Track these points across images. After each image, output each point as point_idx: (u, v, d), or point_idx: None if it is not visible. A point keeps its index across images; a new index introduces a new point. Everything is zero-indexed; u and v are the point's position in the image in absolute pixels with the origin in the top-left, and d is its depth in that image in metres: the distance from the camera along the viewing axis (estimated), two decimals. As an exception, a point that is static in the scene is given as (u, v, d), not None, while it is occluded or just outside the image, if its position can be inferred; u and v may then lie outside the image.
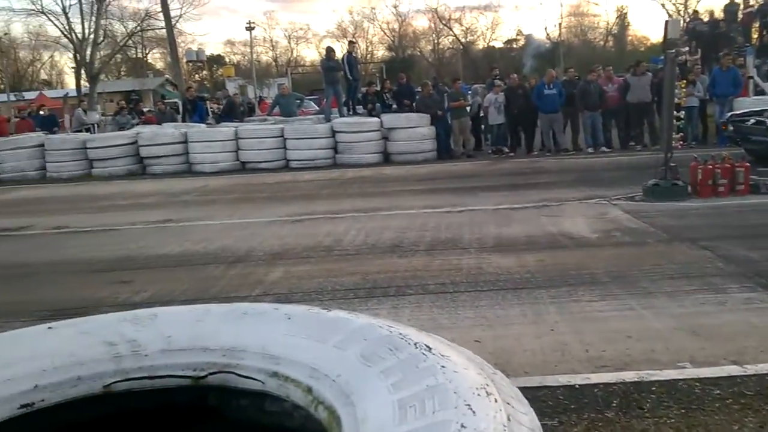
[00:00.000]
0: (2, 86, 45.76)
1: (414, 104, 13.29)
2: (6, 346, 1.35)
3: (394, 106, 13.71)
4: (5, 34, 38.40)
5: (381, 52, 46.26)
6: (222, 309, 1.57)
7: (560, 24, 40.81)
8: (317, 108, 19.91)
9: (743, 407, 2.74)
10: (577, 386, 2.99)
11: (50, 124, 15.88)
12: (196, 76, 45.00)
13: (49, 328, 1.45)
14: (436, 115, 12.82)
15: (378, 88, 15.35)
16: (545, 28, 45.17)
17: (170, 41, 19.65)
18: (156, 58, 45.87)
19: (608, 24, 41.53)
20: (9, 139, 14.16)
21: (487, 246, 5.83)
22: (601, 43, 41.67)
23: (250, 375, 1.33)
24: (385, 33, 46.92)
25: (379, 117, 13.08)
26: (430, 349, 1.27)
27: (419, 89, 14.20)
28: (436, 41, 45.92)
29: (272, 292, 4.80)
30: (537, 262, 5.25)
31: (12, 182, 12.90)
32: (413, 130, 12.66)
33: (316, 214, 7.78)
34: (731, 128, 9.66)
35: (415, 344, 1.29)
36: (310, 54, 48.81)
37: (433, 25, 44.64)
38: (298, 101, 16.74)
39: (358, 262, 5.53)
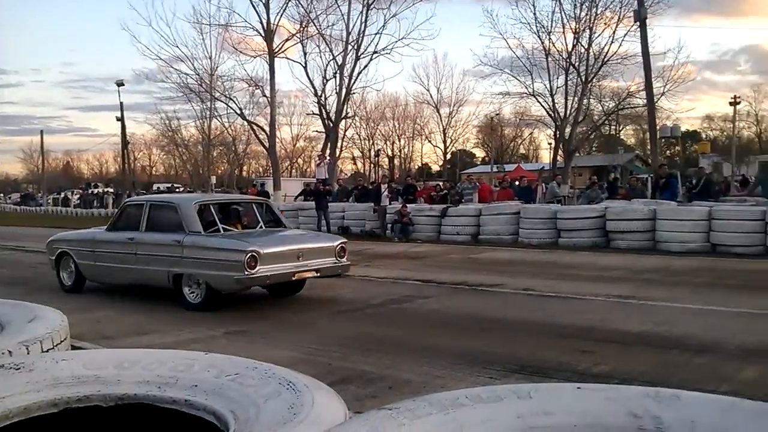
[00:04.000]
0: (488, 158, 52.53)
1: None
2: (541, 397, 1.53)
3: None
4: (497, 114, 44.01)
5: None
6: (750, 405, 1.49)
7: None
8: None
9: None
10: None
11: (527, 194, 17.44)
12: (667, 152, 43.86)
13: (578, 388, 1.59)
14: None
15: None
16: None
17: (650, 119, 19.67)
18: (628, 134, 46.42)
19: None
20: (491, 205, 16.04)
21: None
22: None
23: None
24: None
25: None
26: None
27: None
28: None
29: (745, 393, 4.28)
30: None
31: (488, 243, 14.56)
32: None
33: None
34: None
35: None
36: (806, 128, 42.84)
37: None
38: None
39: None
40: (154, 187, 47.87)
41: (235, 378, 1.90)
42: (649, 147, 29.81)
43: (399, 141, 57.86)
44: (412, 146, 59.10)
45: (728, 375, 4.71)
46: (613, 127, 42.05)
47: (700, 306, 7.23)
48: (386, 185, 18.77)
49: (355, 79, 26.31)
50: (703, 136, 47.19)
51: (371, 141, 56.44)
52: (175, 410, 1.82)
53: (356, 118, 40.82)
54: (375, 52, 25.96)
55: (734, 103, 38.11)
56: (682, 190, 15.17)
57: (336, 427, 1.39)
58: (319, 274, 7.75)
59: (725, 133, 43.87)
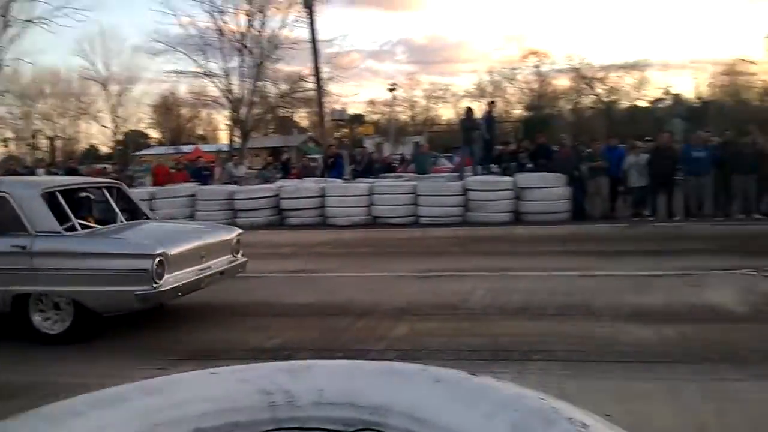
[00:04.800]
0: (164, 140, 50.39)
1: (550, 164, 13.08)
2: (172, 389, 1.46)
3: (530, 165, 13.59)
4: (172, 93, 42.40)
5: (518, 111, 46.17)
6: (372, 366, 1.60)
7: (712, 83, 38.82)
8: (452, 166, 20.12)
9: None
10: (716, 474, 2.74)
11: (204, 176, 17.16)
12: (337, 133, 47.04)
13: (212, 373, 1.55)
14: (572, 176, 12.54)
15: (514, 147, 15.31)
16: (695, 88, 42.99)
17: (319, 102, 20.77)
18: (302, 116, 48.49)
19: (766, 83, 38.82)
20: (165, 188, 15.42)
21: (622, 314, 5.55)
22: (758, 102, 39.01)
23: None
24: (524, 92, 46.90)
25: (513, 176, 13.00)
26: (586, 426, 1.22)
27: (556, 149, 14.00)
28: (576, 100, 45.19)
29: (396, 347, 4.83)
30: (676, 334, 4.93)
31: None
32: (548, 190, 12.45)
33: (444, 271, 7.79)
34: None
35: (568, 419, 1.24)
36: (447, 113, 49.64)
37: (575, 84, 44.06)
38: (433, 159, 17.01)
39: (484, 323, 5.45)
40: None
41: None
42: (321, 128, 31.54)
43: (61, 120, 52.19)
44: (77, 126, 53.81)
45: (385, 333, 5.24)
46: (288, 110, 43.52)
47: (363, 273, 7.93)
48: (44, 169, 16.83)
49: (5, 51, 23.02)
50: (367, 119, 51.60)
51: (28, 120, 49.93)
52: None
53: (7, 94, 35.64)
54: (28, 21, 22.99)
55: (392, 90, 42.58)
56: (348, 169, 16.37)
57: None
58: (223, 276, 6.08)
59: (385, 117, 48.48)
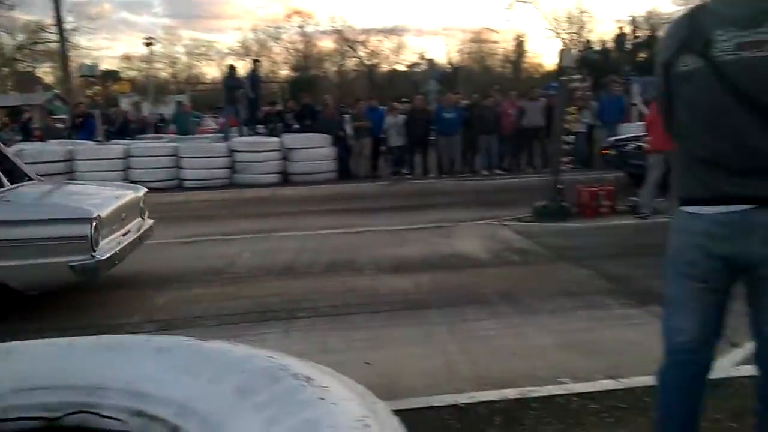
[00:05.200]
0: None
1: (315, 124, 13.25)
2: None
3: (296, 126, 13.62)
4: None
5: (285, 72, 46.04)
6: (86, 342, 1.44)
7: (461, 50, 42.15)
8: (217, 126, 19.51)
9: (618, 420, 2.83)
10: (462, 405, 3.00)
11: None
12: (89, 91, 43.16)
13: None
14: (337, 136, 12.84)
15: (280, 108, 15.23)
16: (447, 53, 46.36)
17: (61, 55, 18.74)
18: (46, 72, 43.63)
19: (506, 51, 43.16)
20: None
21: (382, 267, 5.83)
22: (500, 69, 43.28)
23: (112, 415, 1.22)
24: (289, 53, 46.80)
25: (279, 137, 12.95)
26: (310, 380, 1.21)
27: (321, 109, 14.20)
28: (340, 63, 46.23)
29: (154, 318, 4.58)
30: (430, 282, 5.31)
31: None
32: (314, 150, 12.62)
33: (209, 235, 7.56)
34: (613, 152, 10.18)
35: (294, 375, 1.22)
36: (212, 71, 47.88)
37: (338, 46, 44.96)
38: (196, 119, 16.31)
39: (250, 285, 5.39)
40: None
41: None
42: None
43: None
44: None
45: (142, 304, 4.95)
46: (28, 64, 38.78)
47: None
48: None
49: None
50: (123, 75, 47.86)
51: None
52: None
53: None
54: None
55: (149, 44, 39.78)
56: (101, 130, 15.06)
57: None
58: (140, 243, 5.33)
59: (144, 74, 45.38)
